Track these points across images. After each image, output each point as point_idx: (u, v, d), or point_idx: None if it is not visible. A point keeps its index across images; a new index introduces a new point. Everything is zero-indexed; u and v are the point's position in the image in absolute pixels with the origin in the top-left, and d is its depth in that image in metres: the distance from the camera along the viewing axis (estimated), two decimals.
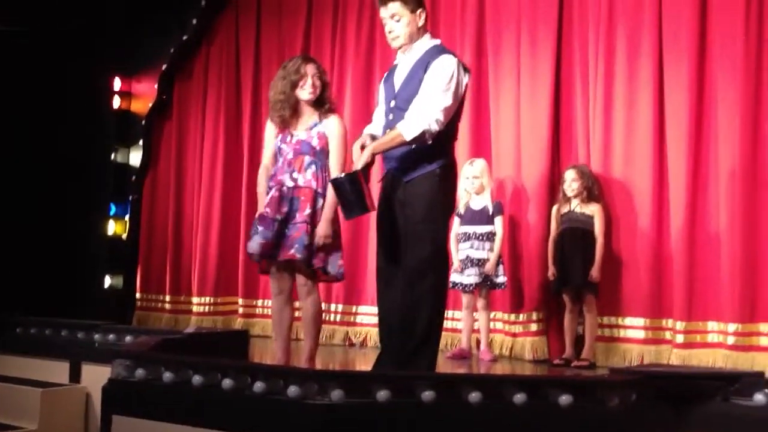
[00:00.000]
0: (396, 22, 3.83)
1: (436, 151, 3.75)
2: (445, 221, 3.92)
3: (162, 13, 7.30)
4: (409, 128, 3.69)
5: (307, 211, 4.04)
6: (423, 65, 3.79)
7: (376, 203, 3.86)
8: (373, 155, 3.75)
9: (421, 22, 3.85)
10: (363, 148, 3.78)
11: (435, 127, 3.69)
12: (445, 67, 3.75)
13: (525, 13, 5.89)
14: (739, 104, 5.09)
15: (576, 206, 5.41)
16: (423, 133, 3.68)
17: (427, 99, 3.72)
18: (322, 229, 4.06)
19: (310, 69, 4.14)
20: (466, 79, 3.84)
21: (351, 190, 3.65)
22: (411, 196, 3.77)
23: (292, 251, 4.01)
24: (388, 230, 3.89)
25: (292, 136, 4.15)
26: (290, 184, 4.08)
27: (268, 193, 4.13)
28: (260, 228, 4.05)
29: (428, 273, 3.72)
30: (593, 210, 5.38)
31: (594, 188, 5.43)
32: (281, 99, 4.12)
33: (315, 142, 4.11)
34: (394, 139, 3.72)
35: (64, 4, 7.08)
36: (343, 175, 3.71)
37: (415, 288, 3.70)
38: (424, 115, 3.69)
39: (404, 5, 3.81)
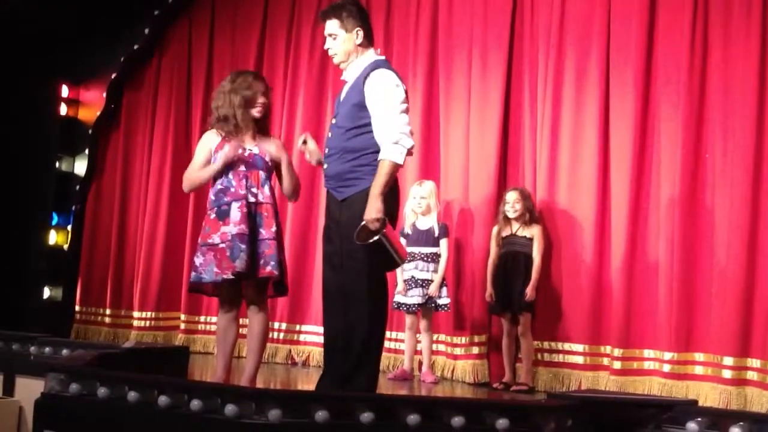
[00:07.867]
0: (333, 40, 3.86)
1: (369, 168, 3.71)
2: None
3: (114, 20, 7.19)
4: (393, 154, 3.63)
5: (274, 227, 4.04)
6: (358, 86, 3.79)
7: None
8: (380, 197, 3.62)
9: (358, 41, 3.84)
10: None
11: (410, 143, 3.68)
12: (386, 84, 3.73)
13: (477, 39, 5.97)
14: (681, 136, 5.21)
15: (517, 229, 5.46)
16: (407, 152, 3.67)
17: (386, 121, 3.68)
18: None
19: (260, 87, 4.13)
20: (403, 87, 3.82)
21: (389, 244, 3.59)
22: (345, 216, 3.75)
23: (269, 268, 3.98)
24: (329, 251, 3.87)
25: (243, 149, 4.10)
26: (252, 199, 4.04)
27: (226, 208, 4.02)
28: (243, 246, 3.95)
29: (364, 294, 3.68)
30: (533, 233, 5.43)
31: (534, 211, 5.50)
32: (231, 114, 4.08)
33: (267, 158, 4.11)
34: (384, 168, 3.64)
35: (13, 8, 6.95)
36: (378, 236, 3.56)
37: (351, 309, 3.69)
38: (396, 137, 3.65)
39: (340, 24, 3.82)
